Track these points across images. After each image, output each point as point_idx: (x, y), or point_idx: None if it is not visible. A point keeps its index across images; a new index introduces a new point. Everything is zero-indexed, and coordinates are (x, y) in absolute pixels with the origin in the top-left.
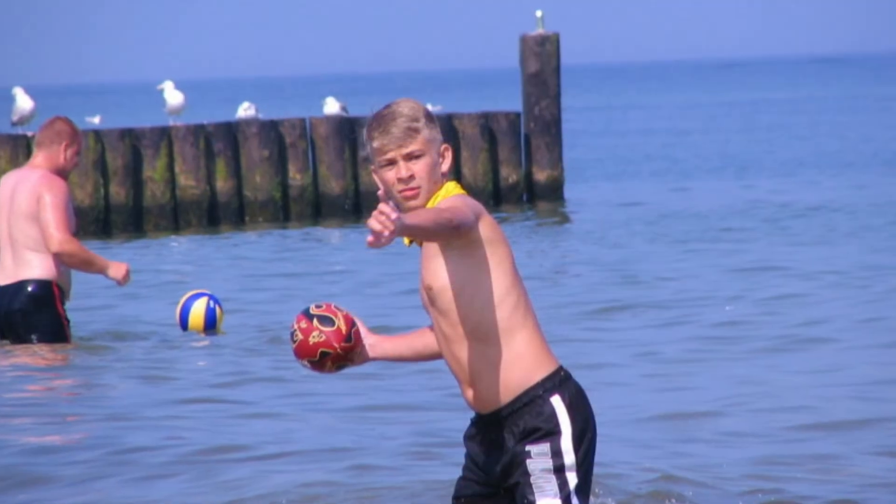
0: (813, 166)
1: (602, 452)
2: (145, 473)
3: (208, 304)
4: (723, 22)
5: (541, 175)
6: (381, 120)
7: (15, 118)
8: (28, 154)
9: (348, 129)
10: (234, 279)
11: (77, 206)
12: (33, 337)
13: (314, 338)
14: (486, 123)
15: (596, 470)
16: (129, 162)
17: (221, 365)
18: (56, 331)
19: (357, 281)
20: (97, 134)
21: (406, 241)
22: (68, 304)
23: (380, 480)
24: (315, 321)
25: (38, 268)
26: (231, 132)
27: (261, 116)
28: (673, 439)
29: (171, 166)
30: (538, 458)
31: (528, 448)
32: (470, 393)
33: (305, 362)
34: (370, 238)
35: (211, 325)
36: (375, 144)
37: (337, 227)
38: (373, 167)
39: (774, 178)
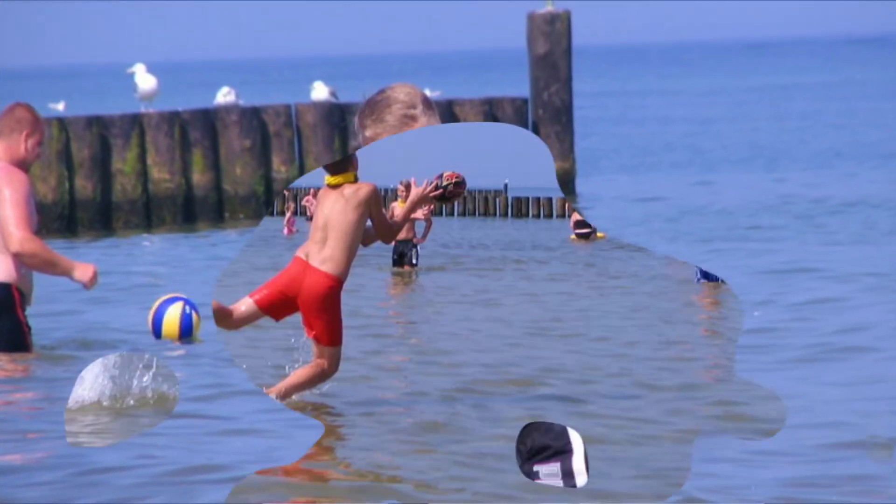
0: (850, 157)
1: None
2: (115, 496)
3: (184, 309)
4: None
5: None
6: (375, 107)
7: None
8: None
9: (338, 117)
10: (213, 282)
11: (39, 202)
12: None
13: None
14: (490, 110)
15: None
16: (96, 153)
17: (198, 376)
18: (15, 339)
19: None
20: (61, 122)
21: None
22: (29, 310)
23: None
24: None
25: None
26: (209, 120)
27: (242, 102)
28: (694, 458)
29: (142, 158)
30: None
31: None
32: None
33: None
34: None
35: (187, 332)
36: (368, 133)
37: None
38: None
39: (808, 171)
